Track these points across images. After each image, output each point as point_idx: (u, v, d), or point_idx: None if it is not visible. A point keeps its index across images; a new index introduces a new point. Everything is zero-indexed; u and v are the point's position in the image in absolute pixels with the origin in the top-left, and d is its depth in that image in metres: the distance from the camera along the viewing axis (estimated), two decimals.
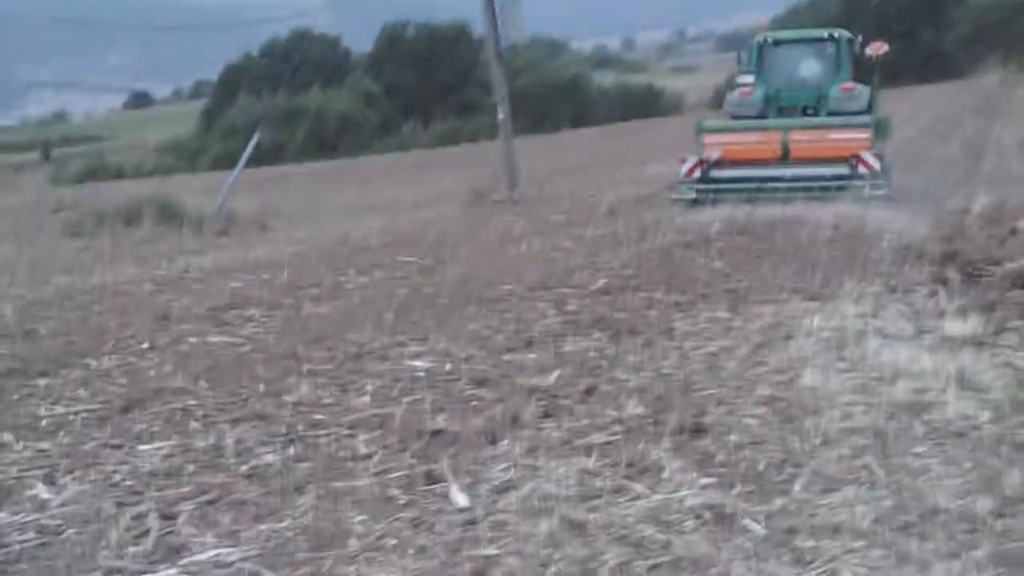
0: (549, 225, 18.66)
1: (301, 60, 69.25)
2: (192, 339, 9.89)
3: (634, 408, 6.53)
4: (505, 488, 5.38)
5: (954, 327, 7.99)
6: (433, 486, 5.49)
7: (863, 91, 19.42)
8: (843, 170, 17.58)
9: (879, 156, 17.72)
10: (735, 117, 19.99)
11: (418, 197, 30.89)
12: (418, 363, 8.26)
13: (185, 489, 5.69)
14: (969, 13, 59.45)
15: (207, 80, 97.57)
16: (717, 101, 70.26)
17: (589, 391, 7.06)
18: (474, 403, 7.00)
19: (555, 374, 7.49)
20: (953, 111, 39.98)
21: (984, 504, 4.84)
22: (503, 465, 5.72)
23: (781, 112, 19.51)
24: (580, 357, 8.07)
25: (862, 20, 64.88)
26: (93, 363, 9.08)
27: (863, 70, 20.01)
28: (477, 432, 6.28)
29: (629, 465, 5.56)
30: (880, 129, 18.66)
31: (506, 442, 6.11)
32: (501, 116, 27.85)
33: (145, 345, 9.67)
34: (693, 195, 18.37)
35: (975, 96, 45.14)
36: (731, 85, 21.43)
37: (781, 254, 12.76)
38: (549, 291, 11.32)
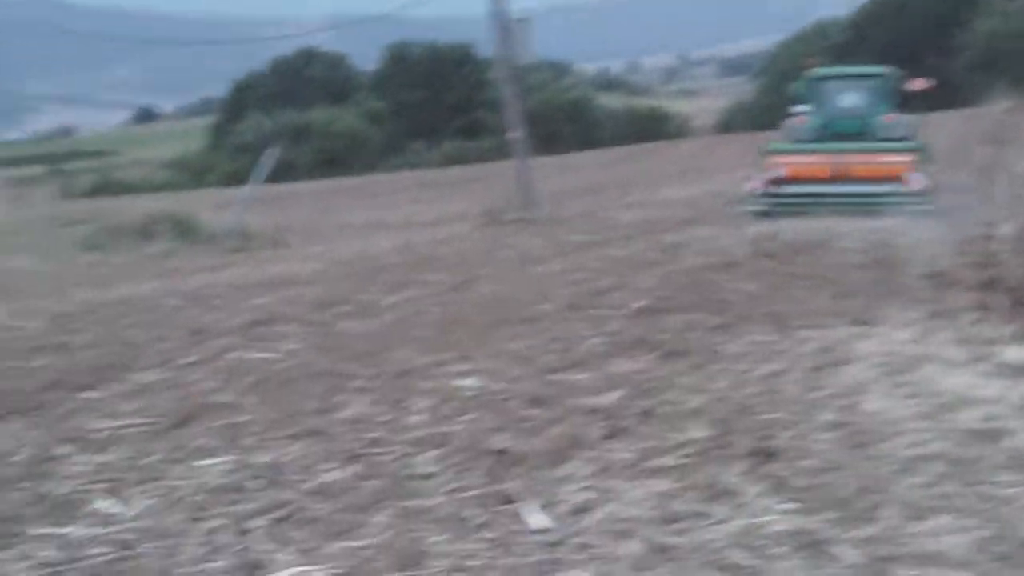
0: (570, 246, 18.61)
1: (308, 78, 69.34)
2: (232, 354, 9.83)
3: (698, 431, 6.46)
4: (582, 509, 5.31)
5: (1013, 353, 7.92)
6: (507, 506, 5.42)
7: (905, 120, 21.88)
8: (891, 188, 19.60)
9: (923, 177, 19.68)
10: (793, 141, 22.17)
11: (430, 216, 30.94)
12: (466, 382, 8.19)
13: (253, 505, 5.62)
14: (976, 40, 59.48)
15: (212, 96, 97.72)
16: (723, 125, 70.79)
17: (647, 413, 6.99)
18: (532, 423, 6.92)
19: (613, 395, 7.41)
20: (962, 139, 39.98)
21: None
22: (575, 486, 5.65)
23: (833, 138, 21.60)
24: (631, 378, 7.99)
25: (868, 45, 65.22)
26: (135, 377, 9.02)
27: (904, 102, 22.48)
28: (542, 452, 6.21)
29: (705, 488, 5.49)
30: (922, 153, 20.60)
31: (573, 463, 6.04)
32: (514, 135, 27.85)
33: (186, 360, 9.61)
34: (761, 207, 20.38)
35: (984, 124, 45.09)
36: (786, 114, 23.33)
37: (813, 278, 12.68)
38: (583, 312, 11.24)
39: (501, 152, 58.44)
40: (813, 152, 21.16)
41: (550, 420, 6.95)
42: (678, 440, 6.35)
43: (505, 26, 26.75)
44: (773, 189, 20.63)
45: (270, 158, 27.10)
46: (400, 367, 8.88)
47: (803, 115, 22.43)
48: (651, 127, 67.39)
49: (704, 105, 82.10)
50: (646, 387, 7.69)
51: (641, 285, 12.89)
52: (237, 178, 51.99)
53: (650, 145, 58.97)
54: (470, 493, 5.63)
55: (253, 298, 14.00)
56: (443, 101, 65.61)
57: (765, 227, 18.54)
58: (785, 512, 5.12)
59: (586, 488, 5.61)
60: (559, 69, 77.00)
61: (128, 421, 7.49)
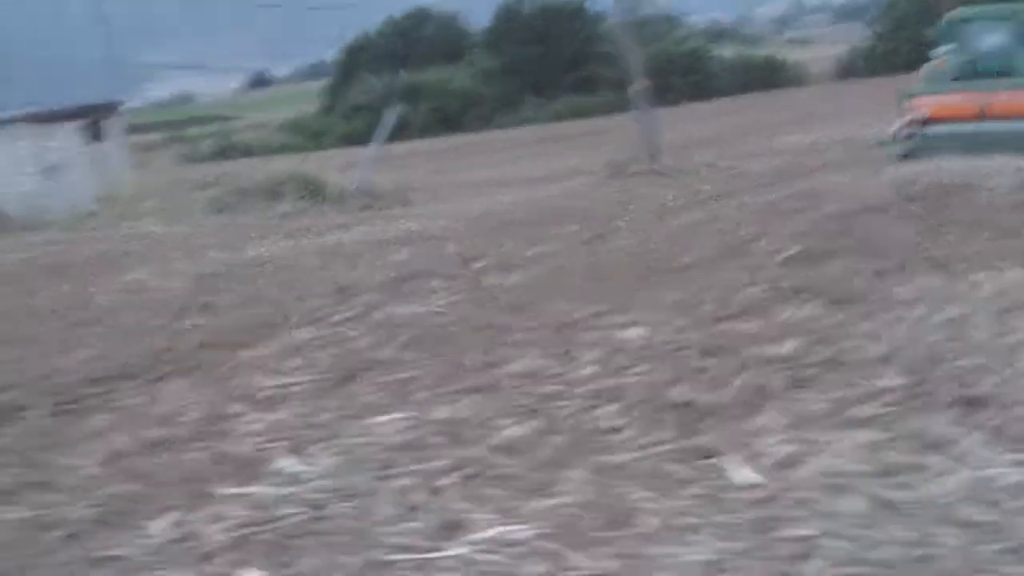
0: (703, 195, 18.23)
1: (419, 38, 69.14)
2: (383, 310, 9.70)
3: (891, 379, 6.14)
4: (788, 463, 5.04)
5: None
6: (707, 460, 5.17)
7: None
8: None
9: None
10: (934, 82, 21.77)
11: (550, 171, 30.68)
12: (630, 333, 7.94)
13: (440, 463, 5.45)
14: None
15: (323, 60, 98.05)
16: (841, 72, 69.21)
17: (831, 361, 6.67)
18: (709, 374, 6.66)
19: (789, 343, 7.11)
20: None
21: None
22: (773, 439, 5.38)
23: (977, 77, 21.04)
24: (803, 326, 7.66)
25: None
26: (289, 335, 8.93)
27: None
28: (729, 404, 5.96)
29: (915, 439, 5.18)
30: None
31: (765, 414, 5.77)
32: (638, 87, 27.40)
33: (339, 317, 9.50)
34: (908, 149, 20.02)
35: None
36: (928, 57, 22.93)
37: (967, 221, 12.21)
38: (733, 260, 10.92)
39: (615, 106, 57.95)
40: (957, 92, 20.79)
41: (728, 371, 6.67)
42: (872, 389, 6.03)
43: None
44: (916, 130, 20.27)
45: (391, 117, 26.99)
46: (559, 319, 8.67)
47: (945, 56, 22.05)
48: (767, 76, 66.00)
49: (819, 52, 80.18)
50: (822, 335, 7.36)
51: (787, 232, 12.50)
52: (352, 139, 52.25)
53: (767, 94, 57.99)
54: (664, 448, 5.39)
55: (391, 255, 13.88)
56: (556, 56, 64.88)
57: (904, 170, 18.24)
58: (1013, 463, 4.80)
59: (786, 440, 5.33)
60: (671, 21, 75.67)
61: (293, 379, 7.39)
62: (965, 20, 22.55)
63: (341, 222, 20.29)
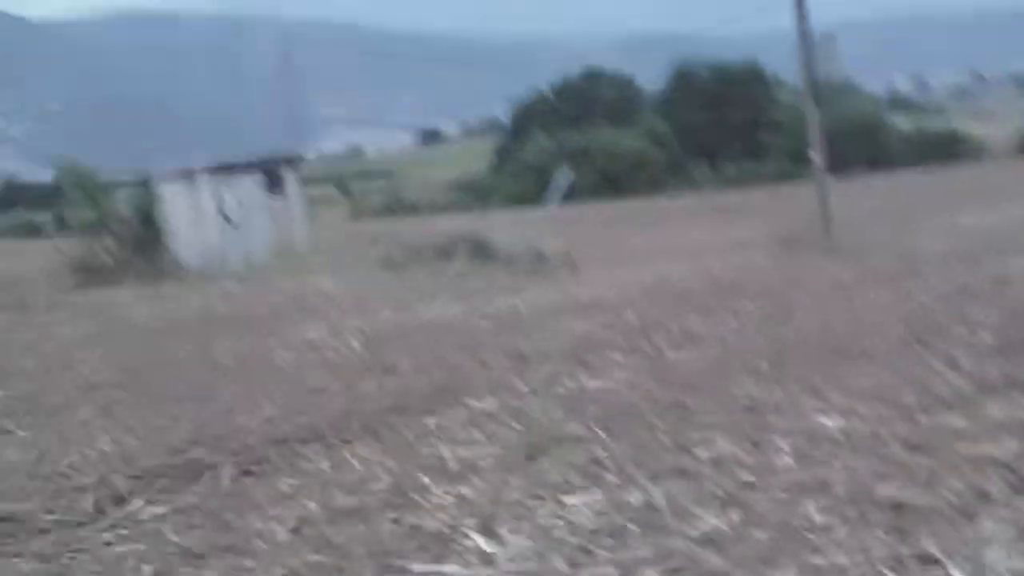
0: (883, 275, 17.71)
1: (592, 99, 69.36)
2: (566, 383, 9.54)
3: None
4: None
5: None
6: (928, 567, 4.84)
7: None
8: None
9: None
10: None
11: (719, 241, 30.24)
12: (828, 422, 7.62)
13: (640, 553, 5.22)
14: None
15: (495, 117, 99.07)
16: (1022, 148, 67.27)
17: None
18: (918, 472, 6.31)
19: (1006, 443, 6.72)
20: None
21: None
22: (1001, 550, 5.02)
23: None
24: (1015, 425, 7.25)
25: None
26: (475, 403, 8.82)
27: None
28: (945, 507, 5.61)
29: None
30: None
31: (986, 521, 5.41)
32: (815, 159, 26.98)
33: (521, 388, 9.37)
34: None
35: None
36: None
37: None
38: (928, 348, 10.48)
39: (785, 175, 57.41)
40: None
41: (939, 469, 6.31)
42: None
43: (809, 43, 25.98)
44: None
45: (564, 179, 26.99)
46: (747, 401, 8.40)
47: None
48: (945, 149, 64.69)
49: (1002, 126, 78.36)
50: None
51: (983, 320, 12.00)
52: (521, 199, 52.57)
53: (946, 169, 56.66)
54: (879, 552, 5.08)
55: (565, 322, 13.76)
56: (728, 122, 64.56)
57: None
58: None
59: (1016, 552, 4.97)
60: (846, 87, 74.62)
61: (479, 451, 7.26)
62: None
63: (510, 285, 20.27)
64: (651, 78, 73.68)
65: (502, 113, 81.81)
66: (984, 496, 5.78)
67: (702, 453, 6.94)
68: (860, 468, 6.42)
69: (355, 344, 12.93)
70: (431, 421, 8.25)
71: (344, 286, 21.23)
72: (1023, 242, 21.54)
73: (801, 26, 25.95)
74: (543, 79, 75.42)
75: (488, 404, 8.79)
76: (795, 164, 56.38)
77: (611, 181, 59.11)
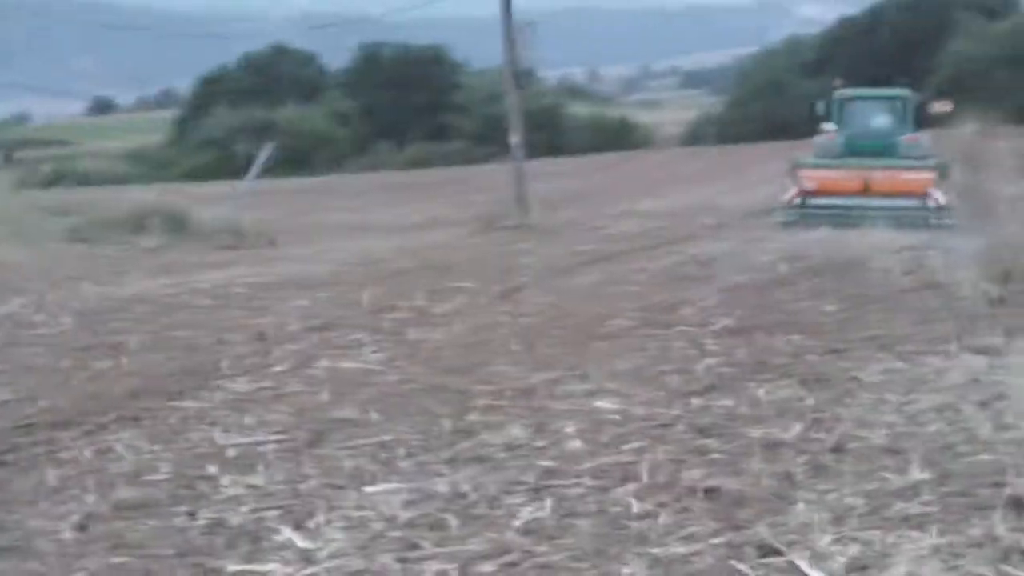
0: (586, 256, 18.04)
1: (277, 75, 68.16)
2: (320, 363, 9.16)
3: (917, 473, 5.86)
4: (861, 567, 4.67)
5: None
6: (770, 559, 4.77)
7: (925, 139, 24.06)
8: (914, 203, 21.43)
9: (943, 194, 21.50)
10: (820, 157, 23.82)
11: (413, 220, 30.20)
12: (604, 405, 7.56)
13: (471, 546, 4.95)
14: (947, 62, 59.63)
15: (174, 89, 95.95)
16: (690, 137, 70.59)
17: (838, 449, 6.38)
18: (718, 456, 6.31)
19: (788, 426, 6.81)
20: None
21: None
22: (829, 537, 5.00)
23: (859, 154, 23.19)
24: (789, 407, 7.38)
25: (836, 64, 65.32)
26: (231, 385, 8.31)
27: (922, 122, 25.02)
28: (761, 493, 5.59)
29: (988, 545, 4.85)
30: (942, 171, 22.40)
31: (804, 507, 5.40)
32: (514, 140, 27.25)
33: (277, 368, 8.92)
34: (794, 218, 21.89)
35: (957, 147, 45.06)
36: (816, 131, 25.10)
37: (878, 300, 12.22)
38: (666, 329, 10.67)
39: (468, 157, 58.01)
40: (841, 168, 22.73)
41: (736, 453, 6.33)
42: (901, 484, 5.73)
43: (511, 30, 26.19)
44: (802, 200, 22.15)
45: (266, 153, 26.24)
46: (517, 384, 8.26)
47: (830, 133, 24.07)
48: (617, 137, 67.10)
49: (667, 117, 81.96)
50: (812, 417, 7.07)
51: (705, 302, 12.34)
52: (200, 173, 51.02)
53: (619, 155, 58.63)
54: (716, 540, 4.98)
55: (289, 300, 13.29)
56: (412, 103, 64.68)
57: (791, 242, 18.52)
58: None
59: (843, 539, 4.95)
60: (524, 76, 75.96)
61: (255, 437, 6.81)
62: (852, 99, 24.58)
63: (214, 261, 19.50)
64: (339, 58, 73.24)
65: (186, 86, 79.33)
66: (791, 480, 5.80)
67: (492, 438, 6.73)
68: (657, 453, 6.36)
69: (67, 320, 12.05)
70: (189, 405, 7.70)
71: (32, 259, 19.86)
72: (699, 225, 22.71)
73: (505, 12, 26.11)
74: (231, 53, 73.56)
75: (244, 386, 8.31)
76: (479, 145, 57.13)
77: (296, 158, 58.08)
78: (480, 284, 14.43)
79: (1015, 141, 45.53)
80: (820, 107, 24.92)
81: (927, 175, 21.85)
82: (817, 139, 24.90)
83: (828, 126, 24.49)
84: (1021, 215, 20.56)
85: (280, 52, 73.21)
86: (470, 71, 69.74)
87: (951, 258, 15.29)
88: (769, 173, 39.68)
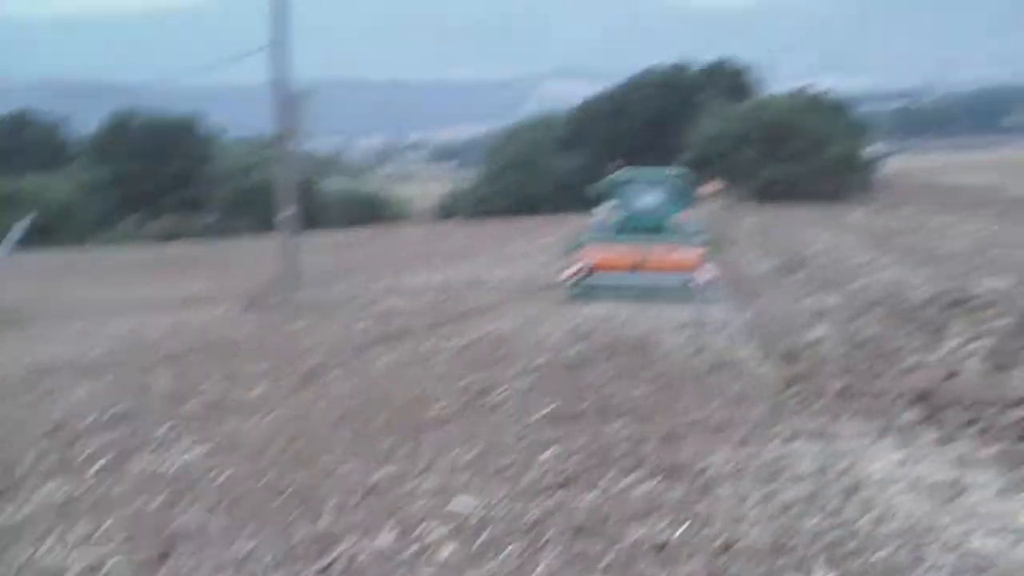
0: (371, 335, 17.55)
1: (20, 143, 65.20)
2: (137, 463, 8.46)
3: (824, 571, 5.68)
4: None
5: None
6: None
7: (696, 217, 25.24)
8: (685, 278, 21.55)
9: (712, 270, 21.95)
10: (598, 234, 24.23)
11: (176, 296, 29.04)
12: (462, 503, 7.15)
13: None
14: (694, 141, 61.73)
15: None
16: (443, 210, 70.85)
17: (727, 548, 6.16)
18: (606, 561, 6.00)
19: (678, 529, 6.52)
20: None
21: None
22: None
23: (634, 232, 23.77)
24: (651, 502, 7.13)
25: (590, 138, 67.02)
26: (44, 489, 7.53)
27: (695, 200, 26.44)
28: None
29: None
30: (714, 247, 23.24)
31: None
32: (284, 213, 26.62)
33: (93, 468, 8.17)
34: (576, 293, 22.16)
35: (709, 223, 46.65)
36: (593, 211, 25.85)
37: (683, 381, 12.23)
38: (489, 415, 10.38)
39: (221, 229, 56.66)
40: (618, 244, 23.17)
41: (627, 557, 6.04)
42: None
43: (287, 99, 25.64)
44: (583, 276, 22.43)
45: (22, 226, 24.82)
46: (358, 480, 7.76)
47: (608, 211, 24.77)
48: (372, 211, 66.99)
49: (419, 190, 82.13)
50: (684, 515, 6.83)
51: (515, 384, 12.07)
52: None
53: (375, 229, 58.40)
54: None
55: (72, 387, 12.40)
56: (163, 174, 62.77)
57: (569, 317, 18.47)
58: None
59: None
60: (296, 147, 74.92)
61: (100, 551, 6.12)
62: (625, 181, 25.31)
63: None
64: (89, 126, 70.62)
65: None
66: None
67: (359, 546, 6.25)
68: (542, 560, 6.00)
69: None
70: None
71: None
72: (475, 301, 22.65)
73: (277, 83, 25.53)
74: None
75: (59, 490, 7.52)
76: (232, 218, 55.95)
77: (40, 229, 55.43)
78: (274, 367, 13.83)
79: (759, 216, 47.54)
80: (598, 186, 25.85)
81: (697, 251, 22.51)
82: (596, 216, 25.66)
83: (605, 205, 25.27)
84: (775, 290, 21.46)
85: (22, 119, 70.26)
86: (226, 141, 68.50)
87: (729, 334, 15.60)
88: (529, 248, 40.34)
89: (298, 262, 27.12)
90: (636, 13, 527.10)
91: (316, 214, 61.25)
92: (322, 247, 44.29)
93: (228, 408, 10.92)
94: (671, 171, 27.08)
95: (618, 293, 21.48)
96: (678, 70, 73.97)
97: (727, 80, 72.46)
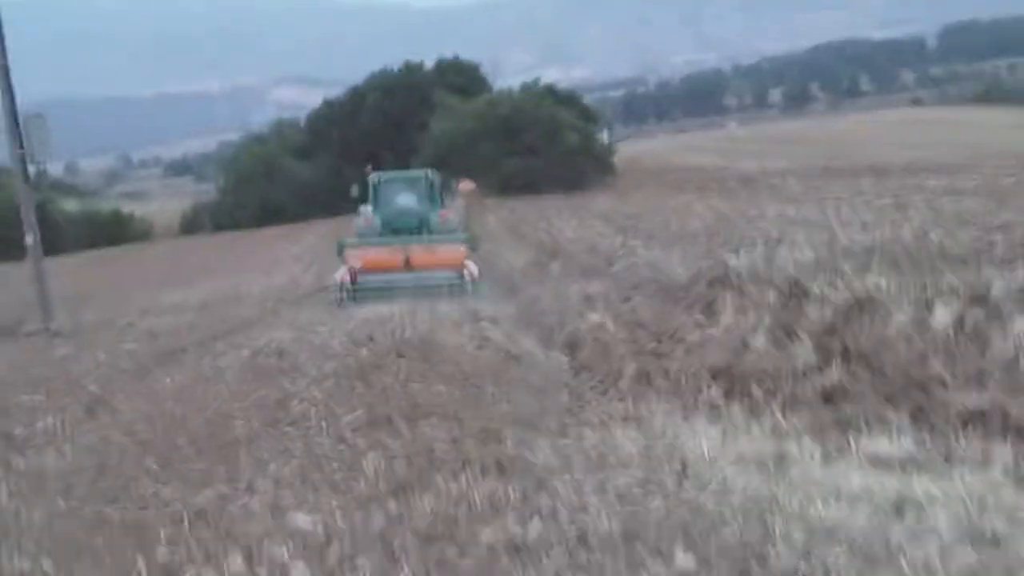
0: (142, 357, 16.95)
1: None
2: None
3: (684, 558, 5.75)
4: None
5: (877, 446, 7.78)
6: None
7: (455, 216, 26.67)
8: (451, 275, 22.40)
9: (475, 265, 22.79)
10: (361, 237, 25.09)
11: None
12: (299, 520, 6.97)
13: None
14: (430, 140, 62.27)
15: None
16: (186, 226, 69.22)
17: (581, 540, 6.18)
18: (465, 564, 5.94)
19: (527, 526, 6.49)
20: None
21: None
22: None
23: (397, 233, 24.75)
24: (494, 501, 7.07)
25: (327, 144, 66.71)
26: None
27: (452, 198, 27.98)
28: None
29: None
30: (472, 244, 24.06)
31: None
32: (30, 239, 25.38)
33: None
34: (348, 295, 22.49)
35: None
36: (357, 212, 26.42)
37: (471, 377, 12.28)
38: (298, 427, 10.14)
39: None
40: (382, 245, 23.85)
41: (484, 561, 5.99)
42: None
43: (18, 124, 24.43)
44: (352, 279, 22.85)
45: None
46: (181, 508, 7.45)
47: (369, 215, 25.58)
48: (112, 231, 64.93)
49: (157, 207, 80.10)
50: (529, 511, 6.80)
51: (310, 394, 11.83)
52: None
53: (118, 250, 56.61)
54: None
55: None
56: None
57: (344, 322, 18.19)
58: None
59: None
60: (39, 172, 71.65)
61: None
62: (382, 182, 26.15)
63: None
64: None
65: None
66: None
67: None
68: (408, 572, 5.90)
69: None
70: None
71: None
72: (240, 315, 22.20)
73: (9, 106, 24.29)
74: None
75: None
76: None
77: None
78: (51, 397, 13.20)
79: (505, 210, 48.17)
80: (355, 190, 26.49)
81: (460, 248, 23.16)
82: (357, 220, 26.24)
83: (365, 208, 25.79)
84: (538, 280, 22.11)
85: None
86: None
87: (506, 329, 15.77)
88: (282, 256, 39.83)
89: (48, 288, 25.91)
90: (354, 18, 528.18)
91: (54, 238, 59.11)
92: (65, 271, 42.56)
93: (16, 446, 10.35)
94: (425, 171, 27.77)
95: (388, 294, 21.50)
96: (409, 71, 74.40)
97: (458, 78, 73.32)
